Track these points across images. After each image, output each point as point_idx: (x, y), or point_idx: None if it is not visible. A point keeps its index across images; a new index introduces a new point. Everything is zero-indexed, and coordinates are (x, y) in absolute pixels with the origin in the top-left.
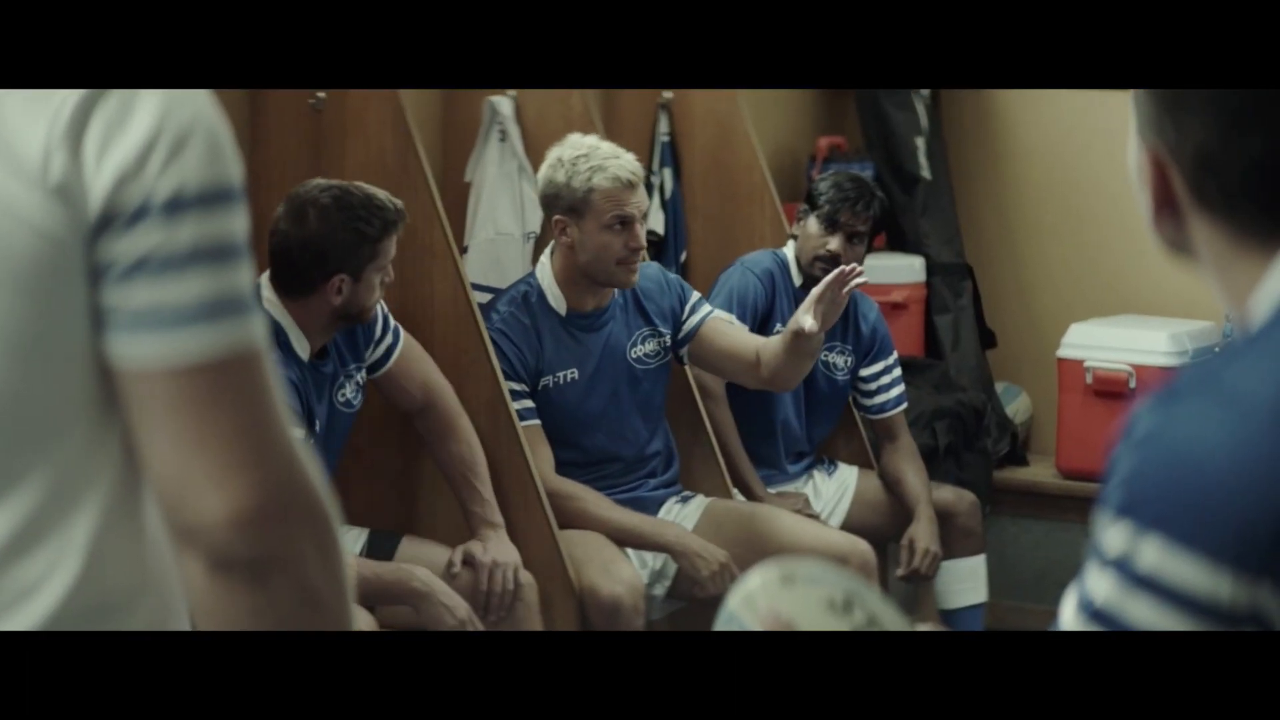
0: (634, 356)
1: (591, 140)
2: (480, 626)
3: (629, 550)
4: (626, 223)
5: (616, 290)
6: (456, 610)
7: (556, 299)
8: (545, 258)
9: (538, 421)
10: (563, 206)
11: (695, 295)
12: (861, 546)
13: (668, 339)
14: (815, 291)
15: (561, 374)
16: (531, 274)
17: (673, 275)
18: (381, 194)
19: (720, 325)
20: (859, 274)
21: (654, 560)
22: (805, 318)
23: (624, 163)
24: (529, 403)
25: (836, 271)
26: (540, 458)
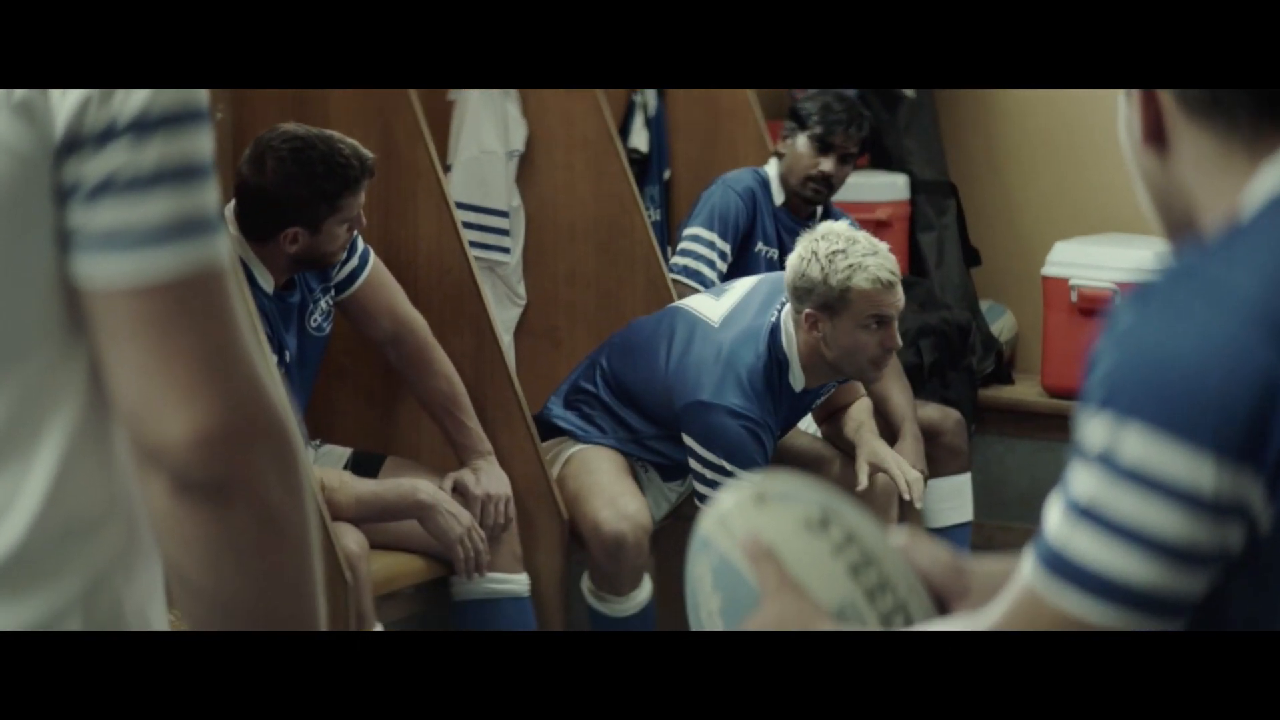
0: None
1: (846, 232)
2: (483, 535)
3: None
4: (883, 322)
5: None
6: (461, 518)
7: (797, 379)
8: (793, 329)
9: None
10: (817, 301)
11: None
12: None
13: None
14: (874, 464)
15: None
16: (776, 334)
17: None
18: (348, 146)
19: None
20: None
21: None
22: (861, 472)
23: (884, 261)
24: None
25: (905, 487)
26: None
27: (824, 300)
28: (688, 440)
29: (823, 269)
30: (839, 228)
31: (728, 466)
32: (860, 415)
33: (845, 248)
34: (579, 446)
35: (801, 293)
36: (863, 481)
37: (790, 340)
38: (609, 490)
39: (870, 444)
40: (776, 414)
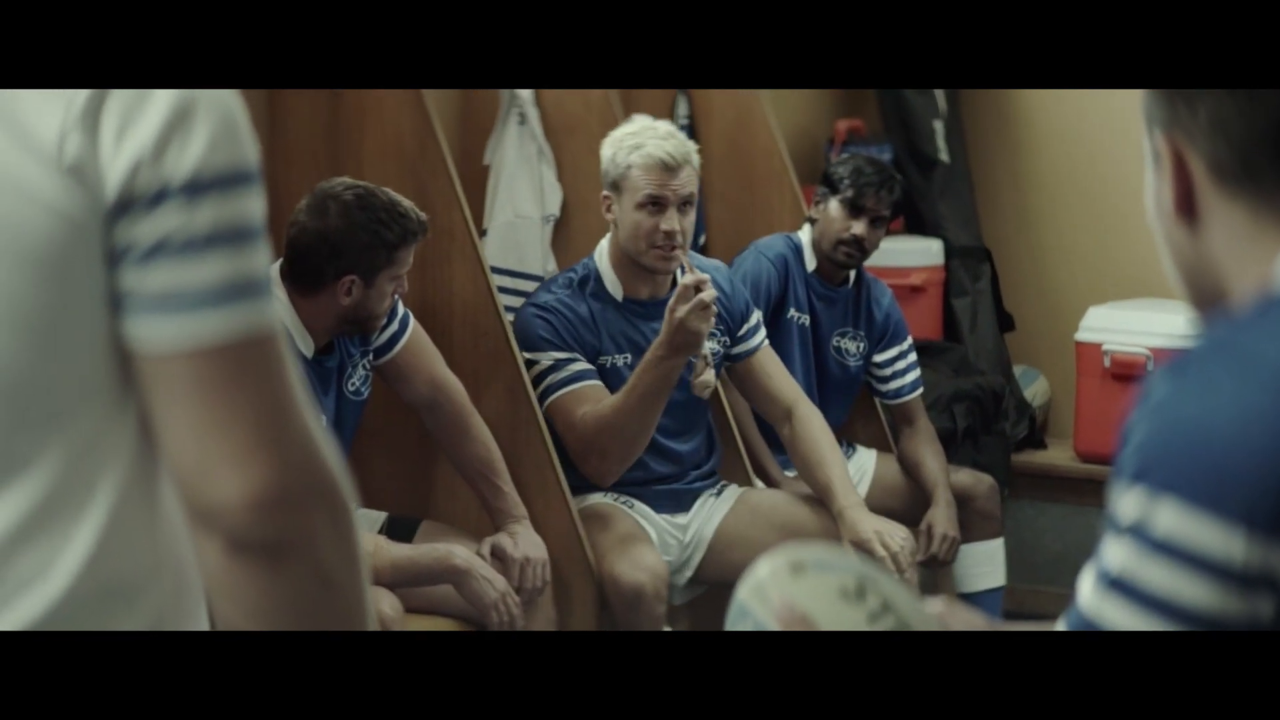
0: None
1: (655, 122)
2: (517, 600)
3: (653, 536)
4: (659, 204)
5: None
6: (496, 583)
7: (613, 285)
8: (604, 241)
9: (598, 382)
10: (608, 181)
11: (755, 317)
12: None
13: (727, 340)
14: (856, 545)
15: (617, 356)
16: (589, 257)
17: (741, 285)
18: (407, 203)
19: (767, 363)
20: None
21: (680, 551)
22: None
23: (667, 144)
24: (587, 365)
25: (892, 564)
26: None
27: (612, 179)
28: None
29: (614, 149)
30: (655, 121)
31: (529, 357)
32: (837, 483)
33: (639, 130)
34: (577, 504)
35: (603, 176)
36: None
37: (602, 252)
38: (622, 544)
39: (850, 524)
40: (595, 319)
